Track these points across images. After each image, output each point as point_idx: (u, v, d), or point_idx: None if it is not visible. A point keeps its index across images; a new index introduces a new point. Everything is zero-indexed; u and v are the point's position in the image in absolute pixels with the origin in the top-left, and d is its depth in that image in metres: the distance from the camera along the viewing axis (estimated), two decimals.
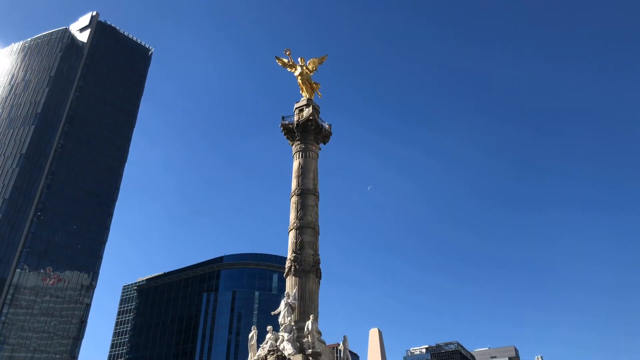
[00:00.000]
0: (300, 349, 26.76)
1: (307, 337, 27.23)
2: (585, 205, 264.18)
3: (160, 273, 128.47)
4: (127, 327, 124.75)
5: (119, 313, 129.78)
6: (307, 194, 32.34)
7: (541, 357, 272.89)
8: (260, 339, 29.32)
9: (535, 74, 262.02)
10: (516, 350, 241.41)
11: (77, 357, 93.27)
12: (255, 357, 27.67)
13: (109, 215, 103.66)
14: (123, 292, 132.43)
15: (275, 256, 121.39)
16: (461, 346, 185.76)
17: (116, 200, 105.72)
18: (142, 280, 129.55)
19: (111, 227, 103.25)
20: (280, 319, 28.27)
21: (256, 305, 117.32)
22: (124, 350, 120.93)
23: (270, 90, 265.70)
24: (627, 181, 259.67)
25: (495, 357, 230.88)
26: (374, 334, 27.29)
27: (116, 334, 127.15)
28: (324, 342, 29.29)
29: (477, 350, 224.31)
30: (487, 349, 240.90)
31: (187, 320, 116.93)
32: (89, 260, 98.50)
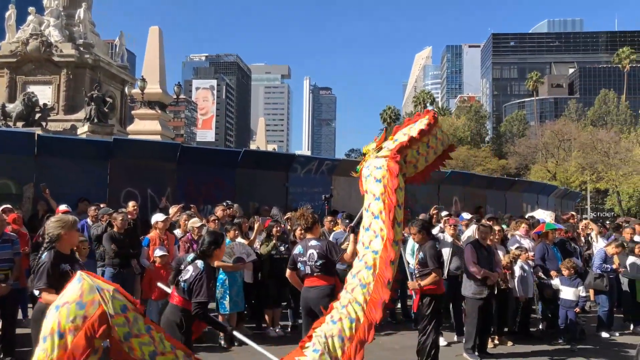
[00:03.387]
0: (69, 37, 24.69)
1: (79, 27, 25.03)
2: None
3: None
4: None
5: None
6: None
7: (309, 77, 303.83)
8: (21, 21, 25.96)
9: None
10: (289, 70, 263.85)
11: None
12: (14, 39, 24.80)
13: None
14: None
15: None
16: (240, 59, 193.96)
17: None
18: None
19: None
20: (46, 2, 25.06)
21: None
22: None
23: None
24: None
25: (269, 72, 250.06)
26: (153, 32, 26.03)
27: None
28: (98, 35, 27.46)
29: (254, 64, 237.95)
30: (263, 64, 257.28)
31: None
32: None
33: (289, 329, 7.98)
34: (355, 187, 13.80)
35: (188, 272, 4.29)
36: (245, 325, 7.69)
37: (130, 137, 18.38)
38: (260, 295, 7.68)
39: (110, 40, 41.19)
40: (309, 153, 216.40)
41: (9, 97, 23.52)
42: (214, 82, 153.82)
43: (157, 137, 21.84)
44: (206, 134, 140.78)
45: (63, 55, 23.89)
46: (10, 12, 26.16)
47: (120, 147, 9.83)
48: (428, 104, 79.65)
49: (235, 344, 6.99)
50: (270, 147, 70.78)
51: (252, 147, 63.78)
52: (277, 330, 7.61)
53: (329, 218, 9.33)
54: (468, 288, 6.92)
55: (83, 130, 20.88)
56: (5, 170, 8.79)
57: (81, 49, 24.44)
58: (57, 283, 3.85)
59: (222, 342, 6.86)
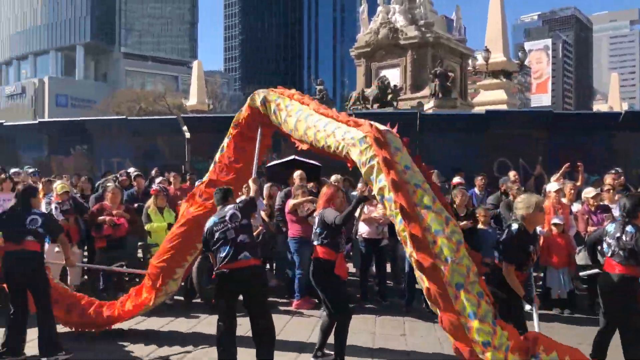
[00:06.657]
0: (412, 20, 26.31)
1: (419, 8, 26.44)
2: None
3: None
4: (234, 9, 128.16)
5: None
6: None
7: None
8: (371, 12, 29.01)
9: None
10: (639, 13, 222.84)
11: (197, 40, 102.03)
12: (368, 31, 27.87)
13: None
14: None
15: None
16: (578, 10, 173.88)
17: None
18: None
19: None
20: None
21: None
22: (236, 32, 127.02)
23: None
24: None
25: (615, 20, 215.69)
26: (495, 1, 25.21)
27: (227, 16, 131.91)
28: (435, 12, 28.51)
29: (595, 14, 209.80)
30: (606, 12, 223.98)
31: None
32: None
33: None
34: None
35: (620, 240, 4.31)
36: None
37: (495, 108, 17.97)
38: None
39: (444, 15, 42.24)
40: None
41: (365, 83, 26.70)
42: (549, 42, 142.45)
43: (503, 107, 21.39)
44: (541, 98, 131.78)
45: (407, 38, 25.69)
46: (363, 7, 29.46)
47: (493, 119, 10.13)
48: None
49: None
50: (624, 106, 61.40)
51: (597, 107, 56.66)
52: None
53: None
54: None
55: (429, 106, 22.07)
56: None
57: (422, 29, 25.74)
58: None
59: None
